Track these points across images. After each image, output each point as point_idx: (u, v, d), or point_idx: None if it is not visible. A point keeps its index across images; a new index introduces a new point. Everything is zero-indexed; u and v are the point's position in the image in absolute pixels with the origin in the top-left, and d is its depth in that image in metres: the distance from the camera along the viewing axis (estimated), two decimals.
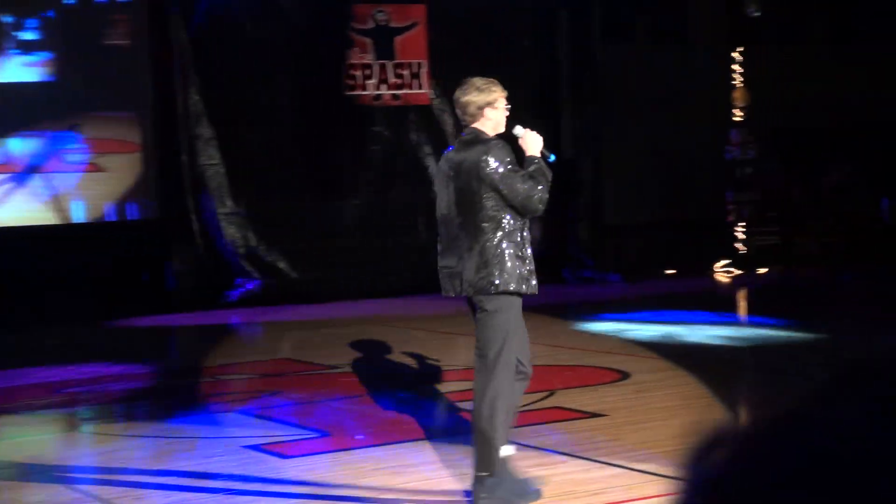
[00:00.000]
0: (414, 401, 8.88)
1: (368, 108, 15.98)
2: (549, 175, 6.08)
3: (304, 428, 8.13)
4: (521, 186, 5.95)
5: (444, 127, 16.34)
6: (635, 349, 10.86)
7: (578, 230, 17.14)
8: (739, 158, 17.44)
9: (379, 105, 16.05)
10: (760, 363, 10.25)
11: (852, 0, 22.80)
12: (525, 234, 6.08)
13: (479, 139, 6.14)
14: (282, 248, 15.37)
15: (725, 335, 11.58)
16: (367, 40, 15.96)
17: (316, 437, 7.90)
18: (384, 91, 16.03)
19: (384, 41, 16.01)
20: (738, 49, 17.83)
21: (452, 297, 6.25)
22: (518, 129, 6.26)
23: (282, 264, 15.32)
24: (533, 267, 6.08)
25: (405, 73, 16.10)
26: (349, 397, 9.13)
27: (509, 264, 5.96)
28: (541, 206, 6.01)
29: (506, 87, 6.28)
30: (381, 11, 15.96)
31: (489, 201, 6.01)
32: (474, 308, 6.18)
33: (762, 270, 17.01)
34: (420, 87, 16.19)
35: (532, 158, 6.10)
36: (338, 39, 15.94)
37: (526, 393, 7.51)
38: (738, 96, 17.43)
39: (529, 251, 6.08)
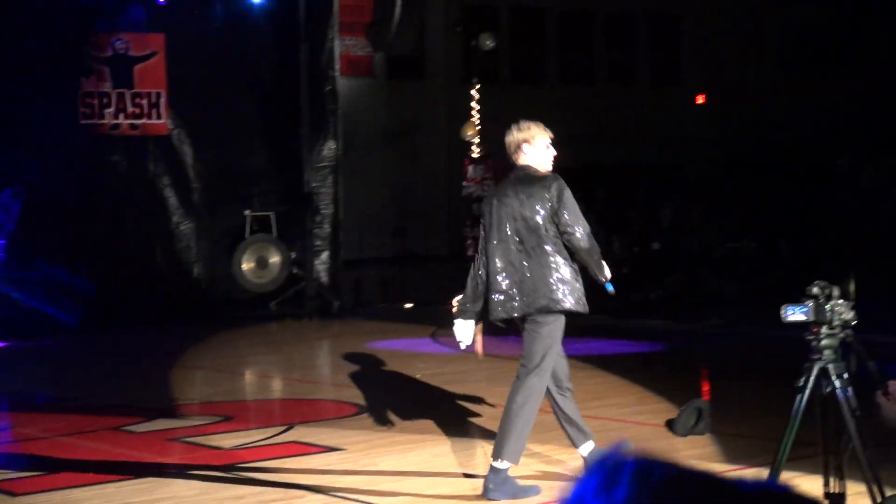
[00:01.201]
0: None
1: (107, 136, 15.87)
2: (594, 258, 6.83)
3: None
4: (582, 228, 6.77)
5: (183, 158, 16.39)
6: (373, 383, 11.20)
7: (317, 264, 17.45)
8: (476, 194, 18.11)
9: (117, 134, 15.96)
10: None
11: (587, 45, 24.15)
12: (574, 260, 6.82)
13: (533, 174, 6.92)
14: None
15: (457, 370, 12.11)
16: (106, 69, 15.88)
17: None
18: (122, 120, 15.95)
19: (123, 70, 15.96)
20: (476, 86, 18.58)
21: (504, 318, 7.00)
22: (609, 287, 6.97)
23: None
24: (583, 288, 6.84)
25: (144, 102, 16.08)
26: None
27: (570, 286, 6.73)
28: (582, 243, 6.75)
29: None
30: (119, 40, 15.90)
31: (552, 229, 6.77)
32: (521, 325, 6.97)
33: None
34: (159, 118, 16.19)
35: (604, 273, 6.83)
36: (74, 68, 15.78)
37: (262, 427, 7.84)
38: (472, 131, 18.15)
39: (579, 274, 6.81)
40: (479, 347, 7.08)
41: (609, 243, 19.92)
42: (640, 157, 24.38)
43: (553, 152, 7.18)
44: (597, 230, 19.68)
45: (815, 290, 6.01)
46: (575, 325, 14.68)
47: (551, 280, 6.80)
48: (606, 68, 25.34)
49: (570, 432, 7.09)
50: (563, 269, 6.83)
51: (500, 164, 20.79)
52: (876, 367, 6.45)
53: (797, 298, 6.01)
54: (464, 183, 18.25)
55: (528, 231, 6.89)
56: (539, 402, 6.97)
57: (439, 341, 14.23)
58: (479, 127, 18.22)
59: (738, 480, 1.18)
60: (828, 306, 5.85)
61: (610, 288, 7.04)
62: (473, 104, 18.21)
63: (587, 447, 7.05)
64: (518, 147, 7.08)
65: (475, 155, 18.16)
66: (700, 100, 25.27)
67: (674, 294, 17.14)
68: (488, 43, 18.41)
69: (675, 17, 25.66)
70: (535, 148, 7.07)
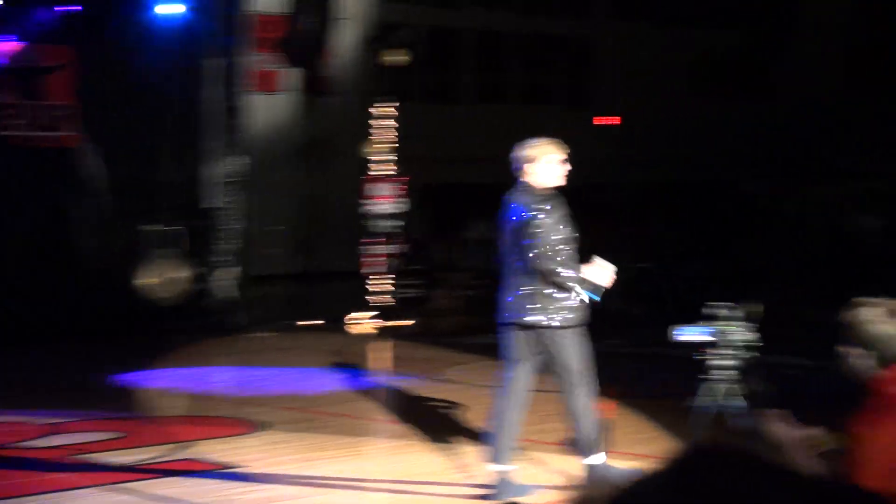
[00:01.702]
0: None
1: (12, 147, 15.58)
2: (569, 287, 7.07)
3: None
4: (551, 259, 7.04)
5: (91, 171, 16.12)
6: (273, 400, 11.10)
7: (222, 280, 17.26)
8: (386, 211, 18.09)
9: (23, 146, 15.67)
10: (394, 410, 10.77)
11: (501, 65, 24.31)
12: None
13: (525, 191, 7.24)
14: None
15: (362, 387, 12.06)
16: (12, 80, 15.60)
17: None
18: (29, 132, 15.68)
19: (30, 81, 15.70)
20: (390, 103, 18.55)
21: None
22: (598, 259, 7.22)
23: None
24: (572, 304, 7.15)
25: (51, 114, 15.79)
26: None
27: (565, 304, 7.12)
28: (545, 269, 7.04)
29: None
30: (27, 51, 15.64)
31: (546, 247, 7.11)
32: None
33: (405, 322, 17.70)
34: (67, 130, 15.91)
35: (579, 279, 7.09)
36: None
37: (156, 444, 7.69)
38: (383, 149, 18.11)
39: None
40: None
41: None
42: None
43: (566, 167, 7.46)
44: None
45: (718, 310, 6.09)
46: (466, 345, 14.77)
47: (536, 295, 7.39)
48: (520, 89, 25.51)
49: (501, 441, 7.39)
50: (546, 288, 7.27)
51: (413, 181, 20.81)
52: (770, 389, 6.53)
53: (700, 319, 6.09)
54: (373, 200, 18.20)
55: (517, 246, 7.38)
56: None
57: (343, 358, 14.16)
58: (391, 145, 18.18)
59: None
60: (724, 327, 5.92)
61: (597, 298, 7.25)
62: (385, 122, 18.17)
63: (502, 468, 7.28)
64: (524, 164, 7.41)
65: (385, 172, 18.13)
66: (612, 121, 25.52)
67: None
68: (398, 57, 18.41)
69: (588, 39, 25.92)
70: (540, 166, 7.32)
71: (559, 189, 7.42)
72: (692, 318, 6.30)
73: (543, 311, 7.22)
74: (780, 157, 23.01)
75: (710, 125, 24.76)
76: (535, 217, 7.15)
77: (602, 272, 7.22)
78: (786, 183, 20.33)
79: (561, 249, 7.17)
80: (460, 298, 19.57)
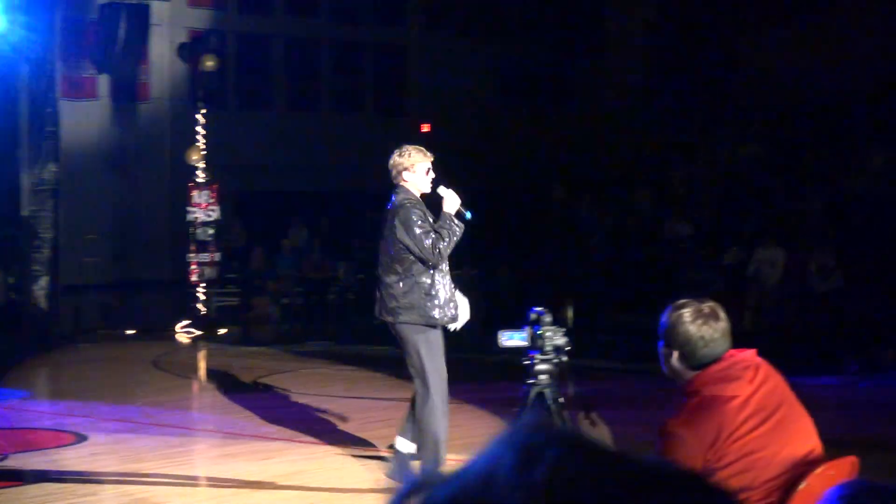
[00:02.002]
0: None
1: None
2: (457, 230, 7.35)
3: None
4: (422, 240, 7.29)
5: None
6: (93, 410, 10.99)
7: (35, 290, 16.89)
8: (202, 219, 17.97)
9: None
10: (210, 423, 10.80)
11: (314, 73, 24.37)
12: (434, 275, 7.42)
13: (399, 197, 7.43)
14: None
15: (182, 396, 12.03)
16: None
17: None
18: None
19: None
20: (202, 111, 18.43)
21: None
22: (441, 189, 7.42)
23: None
24: (448, 298, 7.44)
25: None
26: None
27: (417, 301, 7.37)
28: (439, 259, 7.32)
29: None
30: None
31: (402, 250, 7.43)
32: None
33: (222, 331, 17.65)
34: None
35: (445, 216, 7.35)
36: None
37: None
38: (197, 156, 17.98)
39: (438, 289, 7.40)
40: None
41: (335, 270, 20.17)
42: (367, 185, 24.75)
43: (431, 176, 7.56)
44: (322, 257, 19.97)
45: (532, 316, 6.29)
46: (293, 355, 14.83)
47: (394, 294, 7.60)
48: (332, 96, 25.63)
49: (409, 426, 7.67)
50: (399, 287, 7.54)
51: (228, 189, 20.74)
52: (583, 391, 6.85)
53: (516, 324, 6.29)
54: (188, 208, 18.07)
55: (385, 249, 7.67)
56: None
57: (162, 367, 14.06)
58: (205, 152, 18.09)
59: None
60: (541, 332, 6.15)
61: (468, 216, 7.54)
62: (199, 129, 18.06)
63: (406, 444, 7.67)
64: (398, 173, 7.54)
65: (200, 180, 18.01)
66: (425, 128, 25.89)
67: None
68: (209, 64, 18.31)
69: (401, 46, 26.21)
70: (416, 175, 7.51)
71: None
72: (509, 325, 6.54)
73: (393, 309, 7.50)
74: (587, 165, 23.76)
75: (523, 133, 25.39)
76: (421, 222, 7.40)
77: (451, 197, 7.54)
78: (594, 190, 21.02)
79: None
80: (278, 306, 19.62)
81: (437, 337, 7.58)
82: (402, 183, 7.58)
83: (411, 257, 7.47)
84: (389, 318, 7.58)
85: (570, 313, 15.95)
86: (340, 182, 24.47)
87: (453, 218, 7.50)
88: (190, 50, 18.30)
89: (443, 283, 7.55)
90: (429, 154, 7.64)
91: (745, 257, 17.00)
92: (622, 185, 21.15)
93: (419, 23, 26.22)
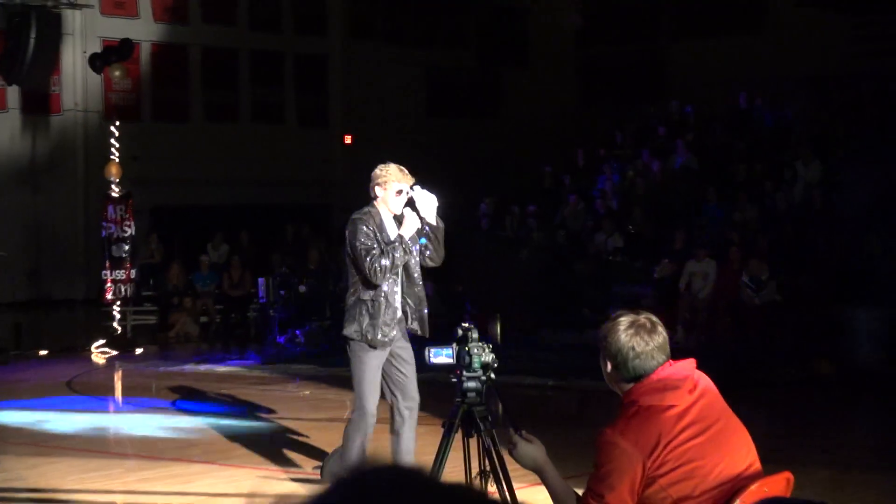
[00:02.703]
0: None
1: None
2: (398, 257, 7.43)
3: None
4: (361, 256, 7.40)
5: None
6: (7, 436, 10.85)
7: None
8: (117, 235, 17.81)
9: None
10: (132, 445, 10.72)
11: (232, 83, 24.28)
12: (376, 293, 7.52)
13: (360, 210, 7.54)
14: None
15: (96, 418, 11.91)
16: None
17: None
18: None
19: None
20: (116, 123, 18.28)
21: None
22: (418, 191, 7.48)
23: None
24: (387, 320, 7.56)
25: None
26: None
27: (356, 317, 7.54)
28: (375, 277, 7.43)
29: None
30: None
31: (350, 264, 7.60)
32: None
33: (139, 351, 17.51)
34: None
35: (397, 238, 7.47)
36: None
37: None
38: (114, 171, 17.81)
39: (378, 308, 7.52)
40: None
41: (255, 286, 20.07)
42: (288, 198, 24.70)
43: (402, 200, 7.61)
44: (242, 272, 19.87)
45: (459, 332, 6.32)
46: (213, 375, 14.74)
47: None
48: (252, 107, 25.53)
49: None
50: (347, 299, 7.74)
51: (144, 203, 20.57)
52: (513, 408, 6.90)
53: (445, 341, 6.32)
54: (103, 223, 17.90)
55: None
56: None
57: (75, 389, 13.92)
58: (124, 165, 17.92)
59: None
60: (468, 348, 6.18)
61: (423, 241, 7.66)
62: (113, 141, 17.90)
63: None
64: (372, 188, 7.64)
65: (114, 194, 17.86)
66: (347, 140, 25.91)
67: (321, 339, 17.47)
68: (117, 74, 18.17)
69: (323, 55, 26.19)
70: (387, 192, 7.60)
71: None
72: (437, 341, 6.57)
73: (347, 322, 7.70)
74: (516, 178, 23.92)
75: (448, 145, 25.50)
76: (349, 234, 7.53)
77: (425, 202, 7.57)
78: (522, 203, 21.16)
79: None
80: (197, 325, 19.48)
81: (373, 355, 7.63)
82: (373, 196, 7.65)
83: (357, 272, 7.62)
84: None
85: (498, 329, 16.03)
86: (261, 195, 24.39)
87: (406, 242, 7.54)
88: (102, 59, 18.14)
89: (386, 302, 7.60)
90: (408, 176, 7.67)
91: (676, 270, 17.23)
92: (552, 198, 21.33)
93: (342, 31, 26.23)
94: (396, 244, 7.53)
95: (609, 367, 4.03)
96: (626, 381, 4.00)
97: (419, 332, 7.79)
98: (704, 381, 4.03)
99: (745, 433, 4.05)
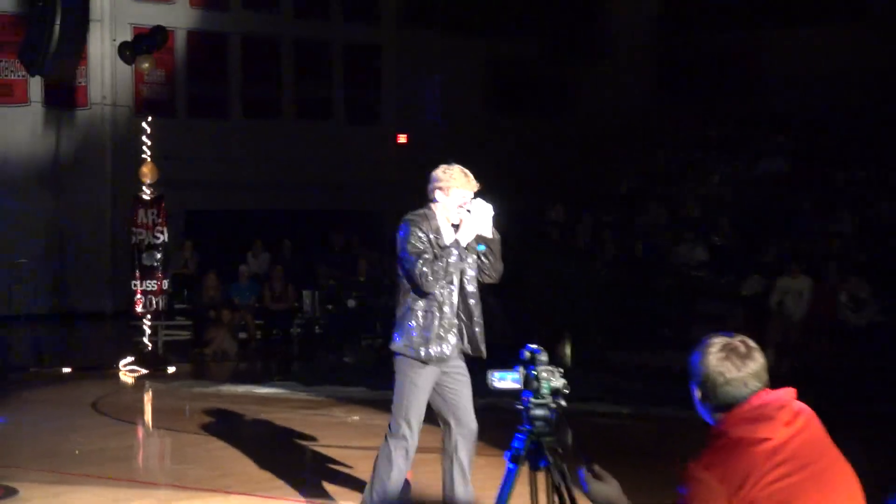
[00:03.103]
0: None
1: None
2: (451, 263, 7.46)
3: None
4: (409, 260, 7.44)
5: None
6: (23, 460, 10.96)
7: None
8: (147, 242, 17.92)
9: None
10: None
11: (275, 76, 24.36)
12: (435, 302, 7.56)
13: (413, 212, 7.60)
14: None
15: (124, 442, 12.00)
16: None
17: None
18: None
19: None
20: (148, 118, 18.38)
21: None
22: (474, 203, 7.53)
23: None
24: (441, 333, 7.56)
25: None
26: None
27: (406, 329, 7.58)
28: (425, 284, 7.45)
29: None
30: None
31: (401, 269, 7.59)
32: None
33: (172, 369, 17.61)
34: None
35: (453, 244, 7.51)
36: None
37: None
38: (148, 172, 17.86)
39: (431, 321, 7.55)
40: None
41: (299, 300, 20.19)
42: (335, 202, 24.82)
43: (465, 210, 7.62)
44: (284, 284, 19.96)
45: (526, 354, 6.29)
46: (252, 397, 14.82)
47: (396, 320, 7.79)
48: (296, 102, 25.65)
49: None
50: (397, 310, 7.78)
51: (178, 207, 20.73)
52: (586, 440, 6.84)
53: (508, 363, 6.30)
54: (132, 229, 18.04)
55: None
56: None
57: (103, 411, 14.04)
58: (156, 165, 18.03)
59: None
60: (536, 372, 6.15)
61: (482, 248, 7.70)
62: (144, 139, 18.03)
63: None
64: (433, 190, 7.66)
65: (146, 197, 17.97)
66: (401, 139, 25.98)
67: (372, 358, 17.51)
68: (146, 66, 18.29)
69: (374, 45, 26.25)
70: (449, 198, 7.63)
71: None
72: (501, 362, 6.56)
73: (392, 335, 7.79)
74: (588, 181, 23.85)
75: (509, 145, 25.49)
76: (399, 238, 7.60)
77: (476, 219, 7.61)
78: (596, 210, 21.11)
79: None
80: (235, 341, 19.60)
81: (422, 374, 7.64)
82: (432, 199, 7.70)
83: (408, 278, 7.62)
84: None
85: (568, 351, 15.98)
86: (305, 199, 24.52)
87: (461, 248, 7.58)
88: (133, 49, 18.32)
89: (440, 313, 7.63)
90: (473, 182, 7.68)
91: (766, 287, 17.10)
92: (628, 205, 21.25)
93: (395, 18, 26.32)
94: (451, 249, 7.55)
95: (698, 393, 4.04)
96: (716, 410, 3.99)
97: (470, 353, 7.78)
98: (806, 413, 3.98)
99: (851, 476, 3.99)
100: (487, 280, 7.84)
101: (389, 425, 7.66)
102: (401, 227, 7.65)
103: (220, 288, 20.31)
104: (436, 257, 7.49)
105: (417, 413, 7.62)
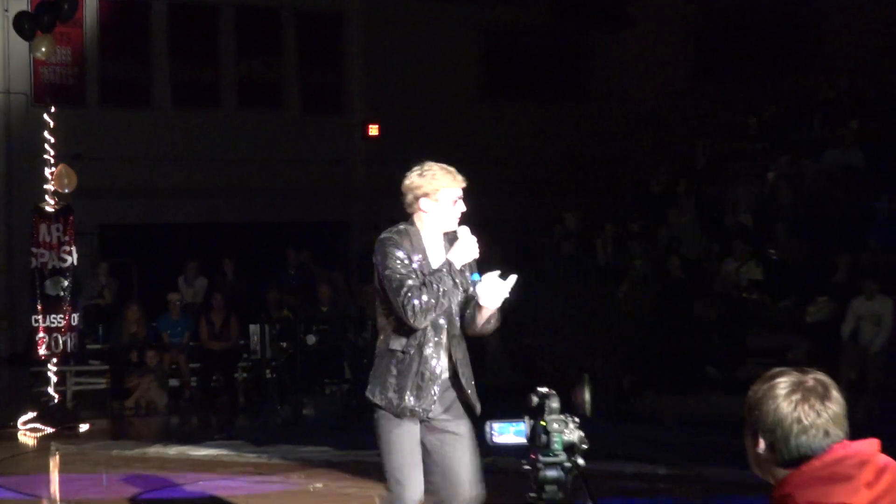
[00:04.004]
0: None
1: None
2: (446, 289, 7.44)
3: None
4: (393, 287, 7.40)
5: None
6: None
7: None
8: (52, 266, 17.89)
9: None
10: None
11: (211, 55, 24.40)
12: (408, 343, 7.55)
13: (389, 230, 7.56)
14: None
15: None
16: None
17: None
18: None
19: None
20: (51, 109, 18.33)
21: None
22: (461, 230, 7.58)
23: None
24: (419, 382, 7.53)
25: None
26: None
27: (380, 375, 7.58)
28: (413, 317, 7.40)
29: None
30: None
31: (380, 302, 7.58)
32: None
33: (84, 427, 17.57)
34: None
35: (444, 264, 7.52)
36: None
37: None
38: (65, 175, 17.79)
39: (410, 366, 7.54)
40: None
41: (245, 337, 20.14)
42: (289, 212, 24.82)
43: (461, 208, 7.68)
44: (226, 317, 19.94)
45: (533, 399, 6.26)
46: (187, 462, 14.81)
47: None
48: (239, 86, 25.63)
49: None
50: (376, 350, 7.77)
51: (90, 221, 20.69)
52: None
53: (511, 413, 6.29)
54: (32, 250, 18.00)
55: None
56: None
57: None
58: (69, 168, 17.99)
59: None
60: (546, 423, 6.12)
61: (475, 277, 7.65)
62: (46, 134, 18.01)
63: None
64: (415, 199, 7.64)
65: (48, 209, 17.94)
66: (372, 131, 25.98)
67: (338, 409, 17.50)
68: (43, 50, 18.25)
69: (335, 14, 26.24)
70: (438, 204, 7.63)
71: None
72: (505, 411, 6.55)
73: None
74: (604, 179, 23.88)
75: (507, 136, 25.50)
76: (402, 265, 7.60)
77: (465, 245, 7.61)
78: (620, 219, 21.16)
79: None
80: (165, 390, 19.57)
81: (405, 429, 7.62)
82: (417, 213, 7.68)
83: (388, 311, 7.62)
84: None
85: (587, 396, 15.96)
86: (251, 210, 24.52)
87: (455, 271, 7.59)
88: (33, 21, 18.32)
89: (420, 357, 7.59)
90: (460, 178, 7.70)
91: (837, 312, 17.12)
92: (660, 210, 21.28)
93: None
94: (443, 272, 7.54)
95: (761, 445, 3.98)
96: (782, 466, 3.96)
97: (470, 407, 7.76)
98: (892, 470, 3.96)
99: None
100: (470, 331, 7.80)
101: (388, 491, 7.68)
102: (376, 249, 7.64)
103: (144, 323, 20.29)
104: (424, 284, 7.46)
105: (412, 474, 7.62)
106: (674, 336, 17.88)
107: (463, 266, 7.60)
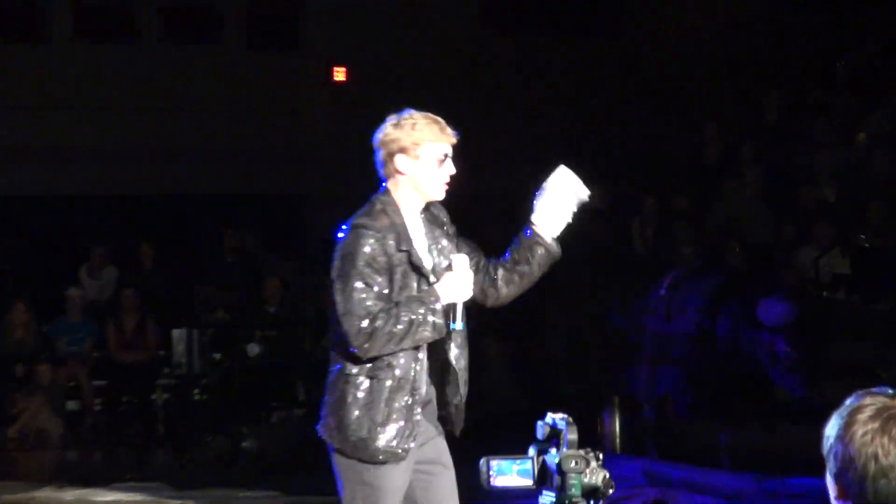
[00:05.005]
0: None
1: None
2: (415, 325, 7.35)
3: None
4: (350, 303, 7.32)
5: None
6: None
7: None
8: None
9: None
10: None
11: None
12: (389, 362, 7.46)
13: (361, 212, 7.50)
14: None
15: None
16: None
17: None
18: None
19: None
20: None
21: None
22: (456, 259, 7.52)
23: None
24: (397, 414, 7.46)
25: None
26: None
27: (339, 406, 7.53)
28: (358, 343, 7.35)
29: None
30: None
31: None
32: None
33: None
34: None
35: (425, 293, 7.48)
36: None
37: None
38: None
39: (378, 396, 7.45)
40: None
41: (166, 345, 20.16)
42: (227, 181, 24.84)
43: (449, 170, 7.63)
44: (140, 320, 19.94)
45: (544, 429, 6.27)
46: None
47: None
48: (160, 15, 25.66)
49: None
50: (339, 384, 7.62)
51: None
52: None
53: (514, 444, 6.32)
54: None
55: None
56: None
57: None
58: None
59: None
60: (559, 460, 6.14)
61: (453, 326, 7.62)
62: None
63: None
64: (389, 156, 7.57)
65: None
66: (338, 75, 26.01)
67: (287, 441, 17.58)
68: None
69: None
70: (419, 163, 7.55)
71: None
72: (506, 446, 6.59)
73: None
74: (642, 141, 23.98)
75: (516, 83, 25.58)
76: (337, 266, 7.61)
77: (455, 279, 7.52)
78: (660, 190, 21.25)
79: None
80: (61, 415, 19.60)
81: (380, 476, 7.60)
82: (394, 176, 7.59)
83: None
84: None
85: (616, 425, 16.03)
86: (179, 178, 24.54)
87: (437, 299, 7.51)
88: None
89: (401, 380, 7.55)
90: (449, 132, 7.63)
91: None
92: (717, 183, 21.34)
93: None
94: (420, 302, 7.50)
95: (835, 489, 3.98)
96: None
97: (447, 427, 7.80)
98: None
99: None
100: (490, 300, 7.78)
101: None
102: (341, 239, 7.57)
103: (34, 327, 20.32)
104: (396, 308, 7.38)
105: None
106: (732, 347, 17.93)
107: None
